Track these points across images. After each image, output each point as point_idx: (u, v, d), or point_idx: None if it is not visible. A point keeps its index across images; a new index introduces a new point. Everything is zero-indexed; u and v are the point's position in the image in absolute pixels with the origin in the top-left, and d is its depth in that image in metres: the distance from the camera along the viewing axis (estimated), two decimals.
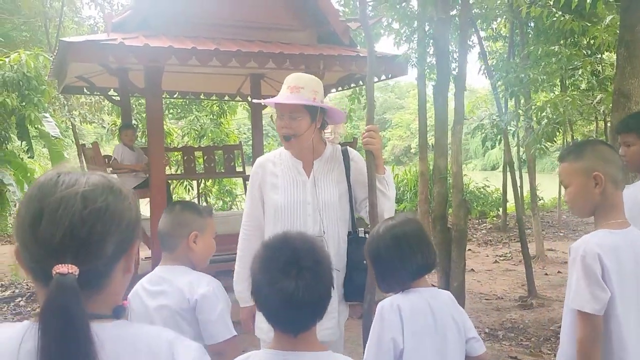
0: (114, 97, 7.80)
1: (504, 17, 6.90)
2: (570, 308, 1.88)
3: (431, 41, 4.98)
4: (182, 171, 8.81)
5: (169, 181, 6.67)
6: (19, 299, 6.14)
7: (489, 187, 13.26)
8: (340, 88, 7.28)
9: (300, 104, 2.36)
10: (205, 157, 8.31)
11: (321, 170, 2.49)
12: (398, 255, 1.82)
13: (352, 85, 7.34)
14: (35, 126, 11.94)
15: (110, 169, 6.21)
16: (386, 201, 2.45)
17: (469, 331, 1.92)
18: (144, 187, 5.90)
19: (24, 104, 8.63)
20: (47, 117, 12.03)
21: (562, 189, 2.07)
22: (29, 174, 12.96)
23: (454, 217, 3.88)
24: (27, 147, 12.22)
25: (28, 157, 13.76)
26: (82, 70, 6.43)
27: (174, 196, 12.47)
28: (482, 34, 7.49)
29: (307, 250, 1.36)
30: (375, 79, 6.74)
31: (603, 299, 1.80)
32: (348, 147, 2.66)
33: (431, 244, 1.93)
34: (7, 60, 8.19)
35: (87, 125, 13.14)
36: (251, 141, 8.27)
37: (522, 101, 6.00)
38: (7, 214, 12.04)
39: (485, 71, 6.52)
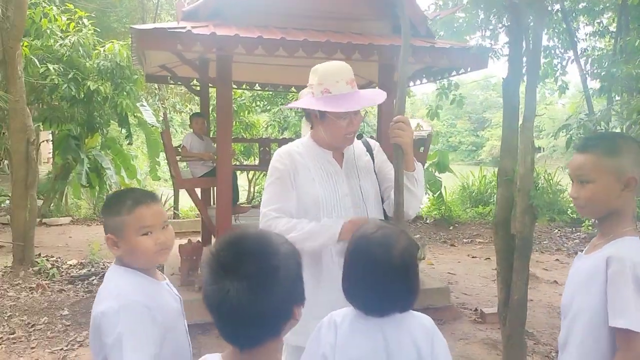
0: (194, 87, 7.96)
1: (606, 8, 6.25)
2: (596, 324, 1.62)
3: (504, 30, 4.54)
4: (258, 162, 8.89)
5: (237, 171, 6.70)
6: (93, 277, 6.44)
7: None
8: (418, 81, 6.94)
9: None
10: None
11: (352, 161, 2.33)
12: (369, 273, 1.52)
13: (439, 78, 6.99)
14: (135, 114, 12.62)
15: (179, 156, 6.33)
16: (413, 199, 2.22)
17: None
18: (211, 176, 5.95)
19: (117, 92, 9.05)
20: (145, 106, 12.65)
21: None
22: (126, 160, 13.75)
23: (519, 223, 3.51)
24: (126, 134, 12.95)
25: (127, 144, 14.61)
26: (164, 59, 6.61)
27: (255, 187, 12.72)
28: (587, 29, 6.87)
29: (256, 255, 1.16)
30: (453, 73, 6.40)
31: None
32: (367, 138, 2.48)
33: (409, 284, 1.55)
34: (102, 50, 8.63)
35: (177, 114, 13.62)
36: None
37: (618, 99, 5.42)
38: (104, 195, 12.82)
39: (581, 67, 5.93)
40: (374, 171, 2.36)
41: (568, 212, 10.81)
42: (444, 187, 11.55)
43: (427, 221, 11.70)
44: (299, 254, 1.27)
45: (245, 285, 1.13)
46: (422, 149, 6.39)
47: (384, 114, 5.93)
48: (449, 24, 5.08)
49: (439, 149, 12.00)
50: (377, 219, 1.94)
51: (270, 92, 11.20)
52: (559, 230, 10.80)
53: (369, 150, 2.40)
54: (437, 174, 11.41)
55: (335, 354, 1.49)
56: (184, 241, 5.79)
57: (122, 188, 12.82)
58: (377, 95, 2.30)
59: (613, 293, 1.57)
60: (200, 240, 6.32)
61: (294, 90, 8.80)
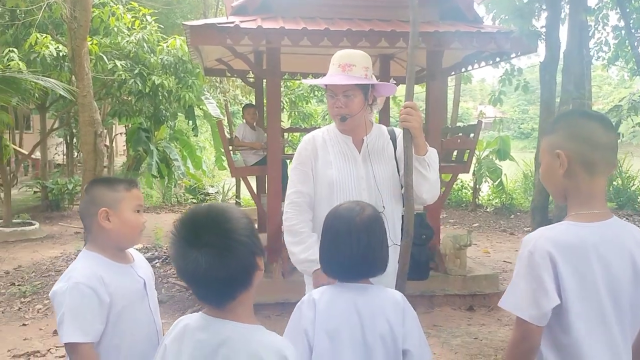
0: (249, 79, 8.21)
1: None
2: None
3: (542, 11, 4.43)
4: None
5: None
6: (156, 260, 6.85)
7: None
8: (470, 67, 6.85)
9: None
10: None
11: (372, 147, 2.45)
12: (333, 243, 1.70)
13: (490, 63, 6.88)
14: (200, 107, 13.12)
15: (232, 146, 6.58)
16: (424, 183, 2.29)
17: (407, 342, 1.64)
18: (262, 164, 6.18)
19: (180, 85, 9.47)
20: (209, 99, 13.12)
21: None
22: (193, 151, 14.31)
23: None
24: (192, 127, 13.48)
25: (194, 136, 15.19)
26: (219, 53, 6.88)
27: None
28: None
29: (211, 226, 1.30)
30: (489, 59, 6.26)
31: (545, 307, 1.45)
32: (394, 127, 2.58)
33: (381, 252, 1.71)
34: (165, 45, 9.04)
35: (239, 106, 13.99)
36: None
37: None
38: (172, 185, 13.45)
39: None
40: (395, 158, 2.46)
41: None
42: (505, 175, 11.30)
43: (487, 209, 11.51)
44: (247, 214, 1.43)
45: (210, 252, 1.27)
46: (472, 135, 6.33)
47: (432, 99, 5.93)
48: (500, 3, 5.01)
49: (500, 136, 11.73)
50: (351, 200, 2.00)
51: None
52: (627, 218, 10.34)
53: (393, 138, 2.50)
54: (497, 161, 11.19)
55: (315, 327, 1.63)
56: None
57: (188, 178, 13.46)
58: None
59: (514, 274, 1.55)
60: (256, 226, 6.56)
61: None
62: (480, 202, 11.93)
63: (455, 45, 5.32)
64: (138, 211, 1.94)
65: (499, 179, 11.14)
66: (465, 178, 12.10)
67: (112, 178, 2.00)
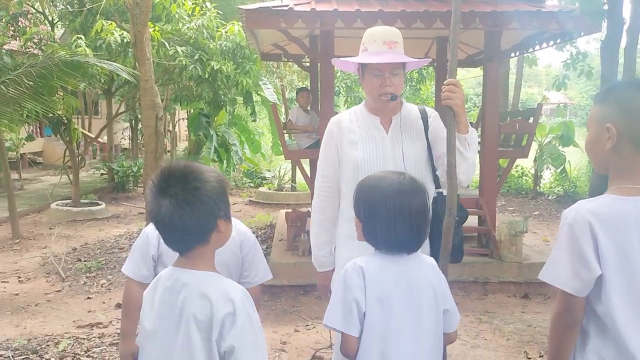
0: (305, 64, 8.24)
1: None
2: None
3: None
4: None
5: None
6: None
7: None
8: (531, 49, 6.62)
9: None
10: None
11: (400, 127, 2.37)
12: (385, 216, 1.67)
13: (552, 44, 6.63)
14: (258, 92, 13.31)
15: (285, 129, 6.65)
16: (463, 162, 2.23)
17: (445, 302, 1.73)
18: (315, 147, 6.22)
19: (238, 71, 9.62)
20: (267, 84, 13.28)
21: None
22: (251, 136, 14.56)
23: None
24: (251, 112, 13.70)
25: (252, 121, 15.43)
26: (275, 38, 6.95)
27: None
28: None
29: (180, 180, 1.45)
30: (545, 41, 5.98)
31: (586, 278, 1.44)
32: (425, 107, 2.51)
33: (424, 225, 1.71)
34: (223, 31, 9.21)
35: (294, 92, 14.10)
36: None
37: None
38: (231, 170, 13.74)
39: None
40: (426, 138, 2.40)
41: None
42: (568, 162, 10.88)
43: (549, 197, 11.14)
44: (225, 180, 1.55)
45: (173, 201, 1.43)
46: (531, 119, 6.14)
47: (489, 82, 5.79)
48: None
49: (564, 121, 11.29)
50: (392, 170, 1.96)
51: None
52: None
53: (424, 117, 2.43)
54: (560, 147, 10.79)
55: (365, 295, 1.65)
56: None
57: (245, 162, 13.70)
58: (411, 60, 2.33)
59: (553, 247, 1.55)
60: (309, 210, 6.64)
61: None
62: (541, 189, 11.55)
63: (513, 26, 5.17)
64: None
65: (562, 166, 10.74)
66: (526, 165, 11.75)
67: None
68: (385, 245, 1.72)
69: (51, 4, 10.82)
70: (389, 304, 1.65)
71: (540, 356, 3.94)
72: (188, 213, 1.43)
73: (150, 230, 2.14)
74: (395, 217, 1.67)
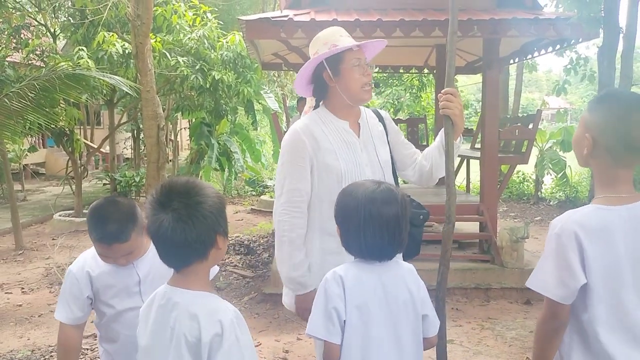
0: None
1: None
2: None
3: None
4: None
5: None
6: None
7: None
8: (530, 55, 6.66)
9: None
10: None
11: (367, 131, 2.33)
12: (355, 223, 1.70)
13: (551, 50, 6.67)
14: (259, 101, 13.37)
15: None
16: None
17: (424, 307, 1.76)
18: None
19: (239, 80, 9.69)
20: (268, 93, 13.34)
21: None
22: (252, 144, 14.62)
23: None
24: (252, 121, 13.76)
25: (253, 130, 15.49)
26: (275, 47, 7.01)
27: None
28: None
29: (182, 195, 1.46)
30: (541, 47, 6.02)
31: (571, 286, 1.50)
32: (377, 109, 2.52)
33: (399, 233, 1.71)
34: (224, 41, 9.28)
35: (296, 99, 14.16)
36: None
37: None
38: (232, 178, 13.79)
39: None
40: (387, 141, 2.39)
41: None
42: (569, 167, 10.90)
43: (550, 203, 11.15)
44: (223, 197, 1.57)
45: (176, 216, 1.43)
46: (531, 125, 6.17)
47: (489, 89, 5.83)
48: None
49: (564, 126, 11.31)
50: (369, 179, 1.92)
51: (384, 75, 11.29)
52: None
53: (381, 120, 2.42)
54: (561, 153, 10.81)
55: (345, 303, 1.68)
56: None
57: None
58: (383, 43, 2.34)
59: (541, 256, 1.61)
60: None
61: (402, 71, 8.84)
62: (542, 195, 11.56)
63: (512, 33, 5.20)
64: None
65: (563, 171, 10.76)
66: (527, 170, 11.77)
67: (100, 220, 2.01)
68: (358, 253, 1.76)
69: (53, 16, 10.91)
70: (368, 311, 1.68)
71: None
72: (190, 228, 1.44)
73: (77, 270, 2.08)
74: (365, 224, 1.70)
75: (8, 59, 9.41)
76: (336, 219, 1.81)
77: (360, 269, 1.73)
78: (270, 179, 14.55)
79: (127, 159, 17.61)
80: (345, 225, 1.76)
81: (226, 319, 1.44)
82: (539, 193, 11.44)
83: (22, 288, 5.94)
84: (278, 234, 2.24)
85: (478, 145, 6.51)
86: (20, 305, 5.36)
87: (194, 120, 12.82)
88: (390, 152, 2.39)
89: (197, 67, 9.14)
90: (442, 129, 2.25)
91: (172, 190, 1.48)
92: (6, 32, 9.89)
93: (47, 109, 5.79)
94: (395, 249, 1.73)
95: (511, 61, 7.20)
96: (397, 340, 1.70)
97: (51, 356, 4.08)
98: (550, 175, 11.20)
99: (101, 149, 12.63)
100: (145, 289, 2.09)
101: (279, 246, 2.25)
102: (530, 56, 6.60)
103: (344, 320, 1.68)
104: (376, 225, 1.68)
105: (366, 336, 1.68)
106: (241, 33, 9.31)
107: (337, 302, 1.67)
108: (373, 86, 2.31)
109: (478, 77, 12.89)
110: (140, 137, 14.81)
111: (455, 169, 2.48)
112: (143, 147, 15.35)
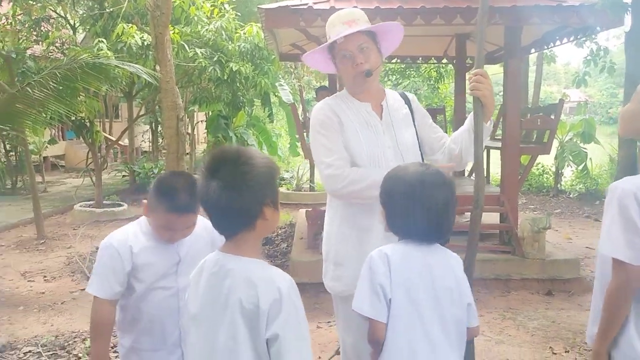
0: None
1: None
2: (602, 254, 1.66)
3: None
4: None
5: None
6: None
7: None
8: (552, 44, 6.56)
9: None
10: None
11: (391, 112, 2.31)
12: (403, 204, 1.69)
13: (572, 39, 6.56)
14: (275, 94, 13.38)
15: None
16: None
17: (468, 297, 1.74)
18: None
19: (256, 72, 9.69)
20: (282, 85, 13.34)
21: None
22: (269, 137, 14.65)
23: None
24: (268, 113, 13.78)
25: (270, 122, 15.52)
26: (293, 38, 6.98)
27: None
28: None
29: (230, 164, 1.45)
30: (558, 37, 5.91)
31: (638, 246, 1.55)
32: (404, 92, 2.49)
33: (447, 216, 1.71)
34: (242, 33, 9.28)
35: (313, 92, 14.14)
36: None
37: None
38: None
39: None
40: (413, 123, 2.36)
41: None
42: (590, 159, 10.75)
43: (570, 195, 11.01)
44: (275, 167, 1.52)
45: (221, 184, 1.43)
46: (552, 115, 6.09)
47: (510, 78, 5.75)
48: None
49: (585, 118, 11.16)
50: (416, 162, 1.95)
51: (402, 66, 11.22)
52: None
53: (407, 102, 2.39)
54: (581, 144, 10.67)
55: (390, 281, 1.66)
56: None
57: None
58: (371, 26, 2.21)
59: (603, 221, 1.66)
60: None
61: (420, 61, 8.75)
62: (562, 187, 11.43)
63: (534, 21, 5.12)
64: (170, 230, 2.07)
65: (584, 163, 10.62)
66: (547, 163, 11.64)
67: (167, 188, 2.03)
68: (404, 234, 1.75)
69: (73, 8, 11.00)
70: (413, 292, 1.67)
71: (566, 351, 3.90)
72: (235, 196, 1.43)
73: (119, 244, 2.07)
74: (413, 206, 1.69)
75: (28, 51, 9.51)
76: (381, 200, 1.80)
77: (407, 249, 1.72)
78: (287, 172, 14.56)
79: (145, 151, 17.74)
80: (391, 206, 1.75)
81: (284, 286, 1.42)
82: (559, 185, 11.31)
83: (45, 276, 6.01)
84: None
85: (498, 136, 6.43)
86: (43, 293, 5.42)
87: (210, 113, 12.88)
88: (417, 136, 2.35)
89: (215, 58, 9.16)
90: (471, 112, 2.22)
91: (221, 158, 1.48)
92: (27, 25, 9.99)
93: (68, 99, 5.84)
94: (442, 233, 1.73)
95: (532, 50, 7.10)
96: (444, 325, 1.67)
97: (74, 341, 4.13)
98: (571, 167, 11.07)
99: (120, 142, 12.73)
100: (181, 270, 2.10)
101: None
102: (552, 45, 6.49)
103: (390, 299, 1.65)
104: (425, 207, 1.67)
105: (412, 317, 1.65)
106: (259, 24, 9.35)
107: (382, 279, 1.65)
108: (365, 74, 2.19)
109: (496, 69, 12.75)
110: (158, 129, 14.91)
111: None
112: (161, 140, 15.47)
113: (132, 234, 2.12)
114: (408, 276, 1.67)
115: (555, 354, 3.88)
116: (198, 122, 19.44)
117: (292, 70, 12.16)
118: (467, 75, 2.22)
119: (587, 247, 7.02)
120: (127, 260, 2.04)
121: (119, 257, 2.04)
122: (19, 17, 10.04)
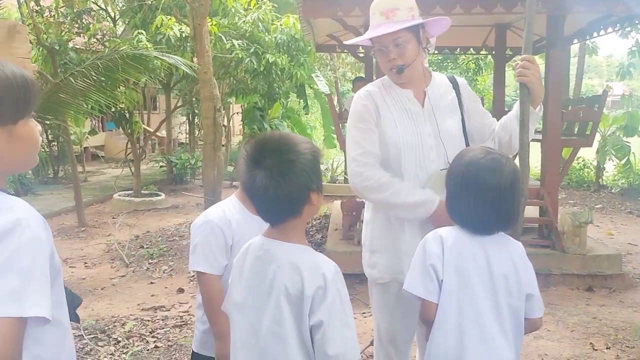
0: (359, 54, 8.22)
1: None
2: None
3: None
4: None
5: None
6: None
7: None
8: (595, 34, 6.37)
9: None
10: None
11: (435, 99, 2.24)
12: (456, 188, 1.69)
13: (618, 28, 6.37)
14: (311, 86, 13.39)
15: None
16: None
17: (530, 287, 1.69)
18: None
19: (292, 63, 9.71)
20: (319, 77, 13.33)
21: None
22: (303, 129, 14.69)
23: None
24: (304, 105, 13.81)
25: (305, 114, 15.55)
26: (330, 28, 6.96)
27: None
28: None
29: (275, 151, 1.43)
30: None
31: None
32: (455, 75, 2.42)
33: (509, 204, 1.68)
34: (278, 24, 9.30)
35: (348, 83, 14.11)
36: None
37: None
38: None
39: None
40: (460, 108, 2.28)
41: None
42: (633, 153, 10.42)
43: (612, 190, 10.72)
44: (318, 151, 1.51)
45: (268, 173, 1.41)
46: (596, 106, 5.92)
47: (552, 69, 5.61)
48: None
49: (628, 111, 10.81)
50: (482, 146, 1.91)
51: (439, 57, 11.08)
52: None
53: (455, 87, 2.31)
54: (624, 138, 10.35)
55: (442, 263, 1.66)
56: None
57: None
58: (398, 25, 2.09)
59: None
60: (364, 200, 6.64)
61: (458, 52, 8.62)
62: (604, 182, 11.12)
63: (578, 9, 4.99)
64: None
65: (626, 158, 10.29)
66: (588, 157, 11.34)
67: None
68: (457, 219, 1.73)
69: (113, 1, 11.21)
70: (467, 275, 1.65)
71: (607, 348, 3.81)
72: (282, 185, 1.41)
73: (219, 219, 2.07)
74: (464, 190, 1.68)
75: (70, 43, 9.74)
76: (445, 183, 1.81)
77: (462, 233, 1.70)
78: (322, 163, 14.58)
79: (182, 143, 18.01)
80: (451, 189, 1.76)
81: (329, 272, 1.41)
82: (600, 180, 11.02)
83: (85, 263, 6.18)
84: (362, 189, 2.18)
85: (538, 129, 6.30)
86: (83, 279, 5.57)
87: (246, 105, 12.99)
88: (464, 121, 2.29)
89: (252, 50, 9.21)
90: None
91: (265, 147, 1.46)
92: (69, 17, 10.23)
93: (109, 90, 5.97)
94: (500, 223, 1.70)
95: (575, 40, 6.91)
96: (498, 313, 1.65)
97: (114, 326, 4.23)
98: (613, 161, 10.75)
99: (157, 133, 12.95)
100: None
101: (373, 196, 2.17)
102: (595, 34, 6.30)
103: (442, 280, 1.65)
104: (476, 193, 1.66)
105: (463, 301, 1.64)
106: (295, 15, 9.35)
107: (435, 260, 1.65)
108: (396, 71, 2.16)
109: (537, 60, 12.49)
110: (195, 121, 15.10)
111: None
112: (198, 131, 15.68)
113: (228, 210, 2.12)
114: (461, 259, 1.66)
115: (596, 350, 3.79)
116: (234, 114, 19.63)
117: (327, 62, 12.13)
118: (513, 63, 2.16)
119: (629, 244, 6.83)
120: (229, 234, 2.06)
121: (221, 232, 2.05)
122: (62, 9, 10.28)
